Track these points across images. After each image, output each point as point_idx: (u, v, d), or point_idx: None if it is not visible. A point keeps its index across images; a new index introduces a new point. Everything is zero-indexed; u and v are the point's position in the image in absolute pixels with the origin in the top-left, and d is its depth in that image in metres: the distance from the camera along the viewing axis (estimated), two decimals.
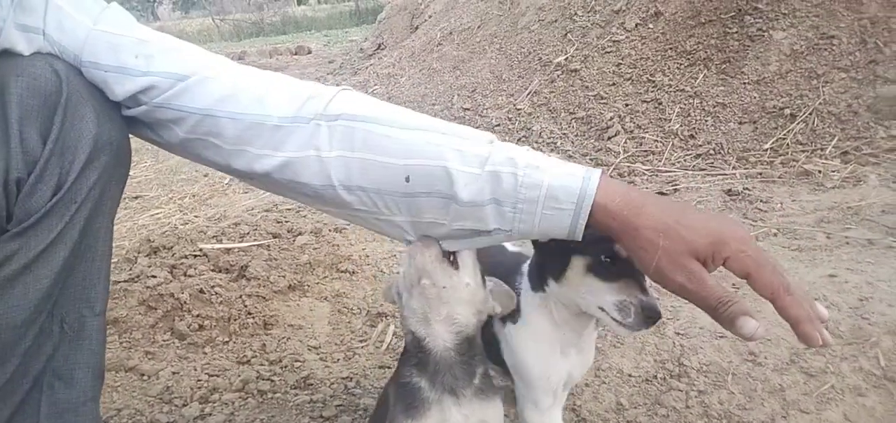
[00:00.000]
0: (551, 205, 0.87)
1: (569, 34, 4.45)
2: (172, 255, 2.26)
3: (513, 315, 1.16)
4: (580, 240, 0.90)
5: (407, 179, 0.90)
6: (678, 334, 1.78)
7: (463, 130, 0.93)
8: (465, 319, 1.00)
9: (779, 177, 2.98)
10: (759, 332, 0.82)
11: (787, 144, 3.17)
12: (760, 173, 3.05)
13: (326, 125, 0.92)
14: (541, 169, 0.88)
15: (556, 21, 4.65)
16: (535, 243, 1.09)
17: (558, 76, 4.22)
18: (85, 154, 0.90)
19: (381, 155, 0.91)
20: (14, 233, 0.87)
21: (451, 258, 0.98)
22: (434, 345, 0.99)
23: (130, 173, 3.51)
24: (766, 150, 3.19)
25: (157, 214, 3.49)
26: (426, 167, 0.90)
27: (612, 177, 0.93)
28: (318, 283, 2.16)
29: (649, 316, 0.98)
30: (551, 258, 1.08)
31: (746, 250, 0.83)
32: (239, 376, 1.64)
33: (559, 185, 0.87)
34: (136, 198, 3.87)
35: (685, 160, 3.32)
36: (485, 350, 1.21)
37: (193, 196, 3.77)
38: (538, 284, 1.13)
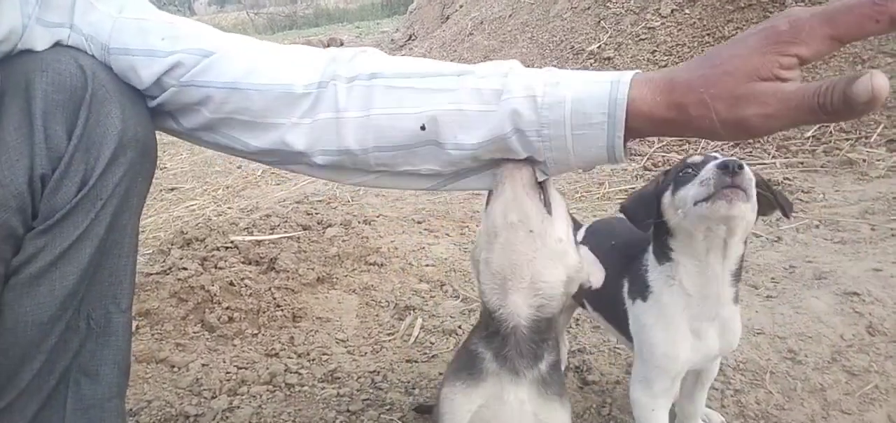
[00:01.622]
0: (580, 122, 0.77)
1: (602, 21, 4.37)
2: (204, 247, 2.28)
3: (642, 292, 1.14)
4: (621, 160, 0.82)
5: (422, 128, 0.86)
6: None
7: (481, 68, 0.87)
8: (551, 287, 0.88)
9: (821, 166, 2.88)
10: (882, 82, 0.62)
11: (830, 133, 3.06)
12: (802, 163, 2.95)
13: (344, 86, 0.91)
14: (561, 84, 0.78)
15: (588, 8, 4.57)
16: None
17: (591, 64, 4.15)
18: (110, 150, 0.90)
19: (396, 108, 0.88)
20: (40, 230, 0.87)
21: (543, 198, 0.87)
22: (507, 317, 0.89)
23: (166, 166, 3.58)
24: (808, 138, 3.09)
25: (192, 205, 3.54)
26: (442, 112, 0.85)
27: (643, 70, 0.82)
28: (346, 275, 2.16)
29: (722, 167, 0.93)
30: (646, 211, 1.08)
31: (805, 20, 0.66)
32: (267, 368, 1.65)
33: (585, 96, 0.77)
34: (172, 190, 3.93)
35: (722, 149, 3.23)
36: (616, 322, 1.24)
37: (227, 188, 3.81)
38: (661, 253, 1.11)
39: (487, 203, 0.90)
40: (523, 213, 0.84)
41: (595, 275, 0.96)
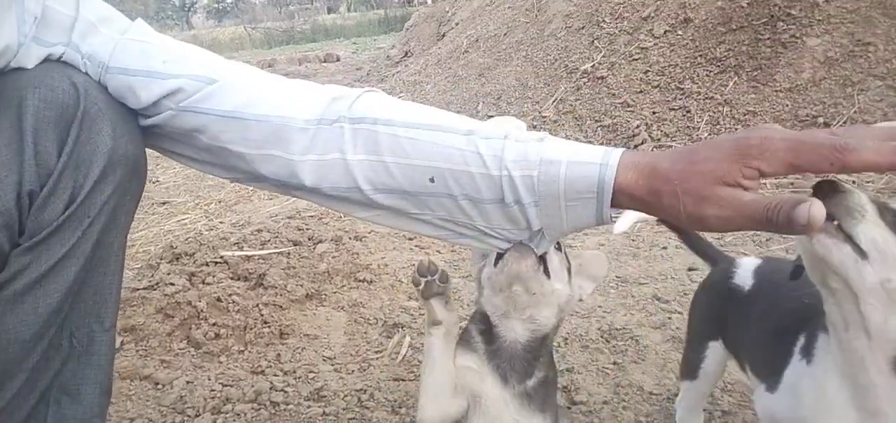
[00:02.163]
0: (572, 198, 0.84)
1: (596, 41, 4.41)
2: (194, 261, 2.27)
3: (808, 353, 0.94)
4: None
5: (431, 181, 0.89)
6: None
7: (484, 128, 0.91)
8: (546, 320, 1.00)
9: (811, 187, 2.89)
10: (817, 211, 0.69)
11: None
12: (792, 183, 2.96)
13: (350, 128, 0.91)
14: (554, 163, 0.85)
15: (582, 28, 4.60)
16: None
17: (584, 83, 4.17)
18: (99, 168, 0.89)
19: (403, 158, 0.90)
20: (26, 247, 0.87)
21: (543, 266, 0.97)
22: (505, 335, 0.99)
23: (159, 179, 3.55)
24: None
25: (184, 219, 3.53)
26: (449, 170, 0.88)
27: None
28: (335, 292, 2.15)
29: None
30: None
31: (773, 142, 0.73)
32: (252, 386, 1.64)
33: (577, 176, 0.83)
34: (164, 204, 3.92)
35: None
36: (762, 369, 1.09)
37: (219, 202, 3.80)
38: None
39: (495, 263, 0.98)
40: (526, 285, 0.96)
41: (586, 288, 1.06)
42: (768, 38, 3.66)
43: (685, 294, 2.07)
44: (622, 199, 0.83)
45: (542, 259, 0.96)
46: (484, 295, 1.02)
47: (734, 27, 3.83)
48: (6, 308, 0.87)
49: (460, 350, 1.03)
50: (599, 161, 0.83)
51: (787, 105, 3.35)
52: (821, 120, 3.20)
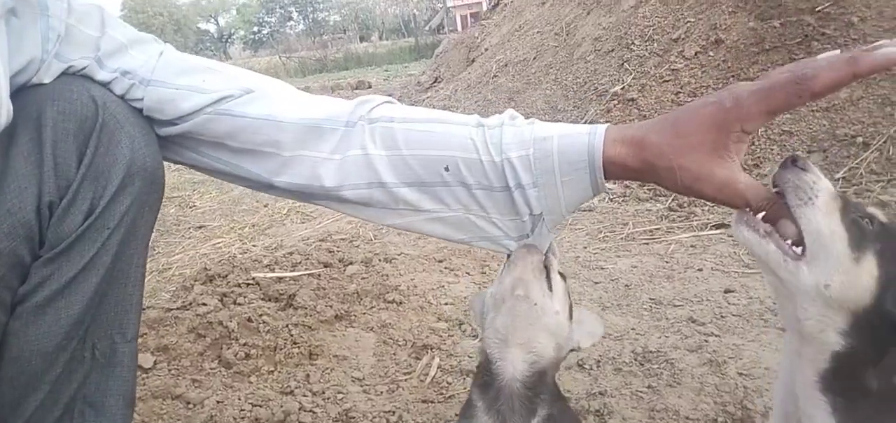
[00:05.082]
0: (566, 170, 0.90)
1: (625, 64, 4.37)
2: (226, 283, 2.29)
3: None
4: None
5: (446, 170, 0.93)
6: (741, 374, 1.67)
7: (490, 120, 0.96)
8: (543, 349, 0.97)
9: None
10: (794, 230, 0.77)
11: (861, 174, 2.99)
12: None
13: (369, 127, 0.96)
14: (547, 139, 0.91)
15: (612, 51, 4.58)
16: None
17: (614, 106, 4.14)
18: (118, 179, 0.90)
19: (419, 149, 0.94)
20: (46, 258, 0.88)
21: (546, 274, 0.98)
22: (503, 370, 0.96)
23: (195, 204, 3.61)
24: (838, 180, 3.01)
25: (219, 243, 3.58)
26: (462, 158, 0.93)
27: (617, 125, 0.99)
28: (364, 313, 2.14)
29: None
30: None
31: (745, 102, 0.80)
32: (281, 406, 1.63)
33: (567, 146, 0.89)
34: (200, 228, 3.98)
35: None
36: None
37: (253, 226, 3.85)
38: None
39: (500, 274, 1.01)
40: (528, 289, 0.96)
41: (585, 340, 1.05)
42: (803, 59, 3.59)
43: (722, 317, 2.02)
44: (615, 170, 0.89)
45: (546, 268, 0.98)
46: (486, 324, 1.01)
47: (767, 47, 3.76)
48: (28, 320, 0.88)
49: None
50: (587, 131, 0.89)
51: (823, 125, 3.27)
52: (860, 139, 3.10)
